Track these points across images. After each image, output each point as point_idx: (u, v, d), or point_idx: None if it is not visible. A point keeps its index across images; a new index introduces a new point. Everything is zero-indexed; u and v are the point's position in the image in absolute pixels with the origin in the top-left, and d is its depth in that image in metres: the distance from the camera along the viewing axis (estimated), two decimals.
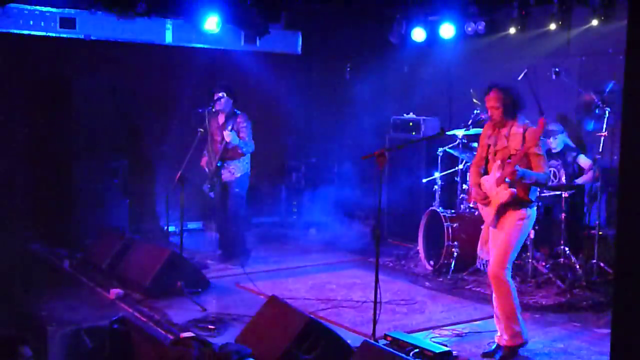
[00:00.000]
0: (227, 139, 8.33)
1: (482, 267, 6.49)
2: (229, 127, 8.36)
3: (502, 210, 5.58)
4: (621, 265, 3.00)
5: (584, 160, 8.03)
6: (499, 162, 5.59)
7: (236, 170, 8.64)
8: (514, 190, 5.46)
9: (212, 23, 9.82)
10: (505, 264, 5.52)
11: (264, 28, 10.38)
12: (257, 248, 9.63)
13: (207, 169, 8.72)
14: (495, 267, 5.55)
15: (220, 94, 8.48)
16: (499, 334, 5.79)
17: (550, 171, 7.96)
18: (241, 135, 8.50)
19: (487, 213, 5.72)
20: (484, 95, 5.68)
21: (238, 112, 8.60)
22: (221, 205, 8.82)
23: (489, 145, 5.74)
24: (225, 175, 8.64)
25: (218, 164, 8.57)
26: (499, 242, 5.58)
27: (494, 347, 5.79)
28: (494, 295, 5.74)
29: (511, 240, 5.53)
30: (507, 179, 5.43)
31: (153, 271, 7.30)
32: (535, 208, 5.67)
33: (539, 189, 5.62)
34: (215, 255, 8.96)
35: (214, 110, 8.46)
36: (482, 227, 5.99)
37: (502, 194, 5.52)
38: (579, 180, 7.96)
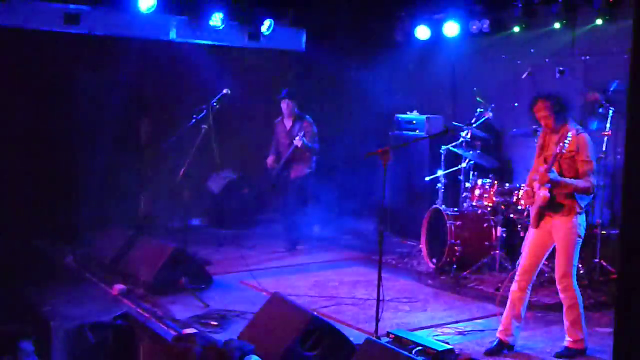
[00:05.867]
0: (298, 144, 8.97)
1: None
2: (302, 134, 9.01)
3: (545, 214, 5.66)
4: (624, 264, 2.99)
5: None
6: (546, 166, 5.62)
7: (305, 168, 9.30)
8: (547, 194, 5.53)
9: (216, 20, 9.83)
10: (570, 273, 5.61)
11: (269, 25, 10.38)
12: (260, 245, 9.67)
13: (273, 167, 9.40)
14: (561, 279, 5.64)
15: (285, 103, 9.26)
16: (501, 328, 5.85)
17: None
18: (308, 139, 9.12)
19: (532, 214, 5.81)
20: (530, 108, 5.74)
21: (305, 116, 9.30)
22: (286, 201, 9.49)
23: (541, 152, 5.79)
24: (294, 174, 9.31)
25: (284, 164, 9.30)
26: (558, 255, 5.65)
27: (495, 343, 5.83)
28: (516, 294, 5.79)
29: (569, 250, 5.60)
30: (546, 183, 5.52)
31: (156, 267, 7.32)
32: (584, 216, 5.70)
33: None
34: (281, 246, 9.50)
35: (282, 119, 9.39)
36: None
37: (540, 197, 5.60)
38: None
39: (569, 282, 5.61)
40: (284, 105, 9.34)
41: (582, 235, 5.67)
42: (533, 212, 5.75)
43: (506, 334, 5.82)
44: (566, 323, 5.71)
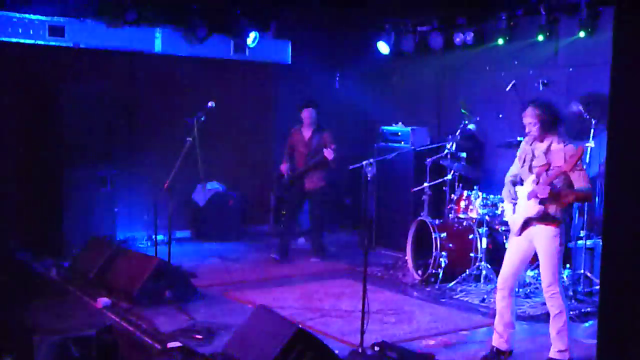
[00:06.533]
0: (329, 156, 9.02)
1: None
2: (333, 146, 9.07)
3: (529, 222, 5.68)
4: (607, 275, 3.01)
5: None
6: (534, 176, 5.65)
7: (320, 180, 9.39)
8: (542, 207, 5.55)
9: (201, 32, 9.83)
10: (555, 282, 5.62)
11: (254, 37, 10.40)
12: (245, 257, 9.65)
13: (286, 174, 9.48)
14: (547, 287, 5.65)
15: (309, 111, 9.33)
16: (495, 336, 5.90)
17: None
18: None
19: (514, 222, 5.82)
20: (522, 112, 5.76)
21: (324, 127, 9.41)
22: (296, 209, 9.67)
23: (524, 160, 5.81)
24: (309, 185, 9.38)
25: (300, 173, 9.40)
26: (542, 264, 5.67)
27: (490, 351, 5.89)
28: (501, 303, 5.84)
29: (552, 259, 5.61)
30: (538, 195, 5.53)
31: (141, 280, 7.28)
32: (564, 224, 5.71)
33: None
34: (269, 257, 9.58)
35: (300, 128, 9.46)
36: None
37: (531, 208, 5.61)
38: None
39: (555, 290, 5.63)
40: (307, 113, 9.38)
41: (564, 243, 5.69)
42: (518, 220, 5.76)
43: (501, 342, 5.87)
44: (552, 332, 5.73)
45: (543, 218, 5.61)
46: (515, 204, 5.83)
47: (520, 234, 5.76)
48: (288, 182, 9.54)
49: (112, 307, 7.08)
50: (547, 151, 5.61)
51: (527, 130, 5.72)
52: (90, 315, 6.89)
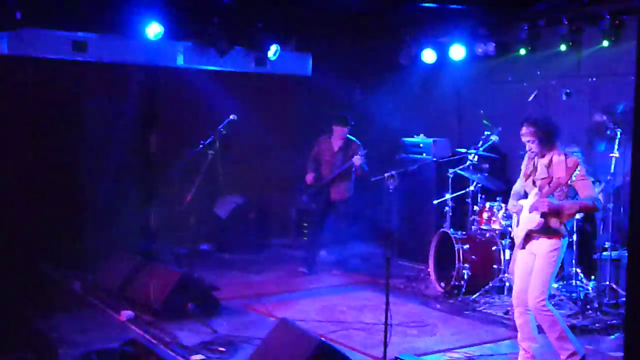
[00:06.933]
0: (357, 163, 9.10)
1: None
2: (360, 153, 9.17)
3: (531, 235, 5.66)
4: (633, 287, 2.97)
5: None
6: (537, 189, 5.62)
7: (346, 190, 9.43)
8: (542, 220, 5.51)
9: (223, 46, 9.87)
10: (543, 294, 5.57)
11: (275, 50, 10.43)
12: (267, 270, 9.64)
13: (312, 184, 9.48)
14: (533, 300, 5.60)
15: (347, 129, 9.39)
16: (521, 352, 5.84)
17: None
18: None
19: (517, 235, 5.80)
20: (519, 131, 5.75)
21: (353, 139, 9.44)
22: (321, 220, 9.64)
23: (528, 173, 5.80)
24: (335, 195, 9.41)
25: (326, 182, 9.41)
26: (535, 274, 5.62)
27: None
28: (520, 319, 5.79)
29: (547, 272, 5.58)
30: (538, 209, 5.49)
31: (164, 293, 7.30)
32: (567, 239, 5.68)
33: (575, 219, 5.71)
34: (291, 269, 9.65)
35: (329, 137, 9.48)
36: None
37: (532, 221, 5.59)
38: None
39: (542, 302, 5.57)
40: (343, 130, 9.39)
41: (560, 258, 5.64)
42: (520, 233, 5.73)
43: (527, 357, 5.81)
44: (553, 343, 5.68)
45: (544, 231, 5.57)
46: (519, 216, 5.80)
47: (523, 247, 5.74)
48: (315, 192, 9.52)
49: (135, 320, 7.10)
50: (549, 164, 5.60)
51: (527, 148, 5.73)
52: (113, 328, 6.92)
